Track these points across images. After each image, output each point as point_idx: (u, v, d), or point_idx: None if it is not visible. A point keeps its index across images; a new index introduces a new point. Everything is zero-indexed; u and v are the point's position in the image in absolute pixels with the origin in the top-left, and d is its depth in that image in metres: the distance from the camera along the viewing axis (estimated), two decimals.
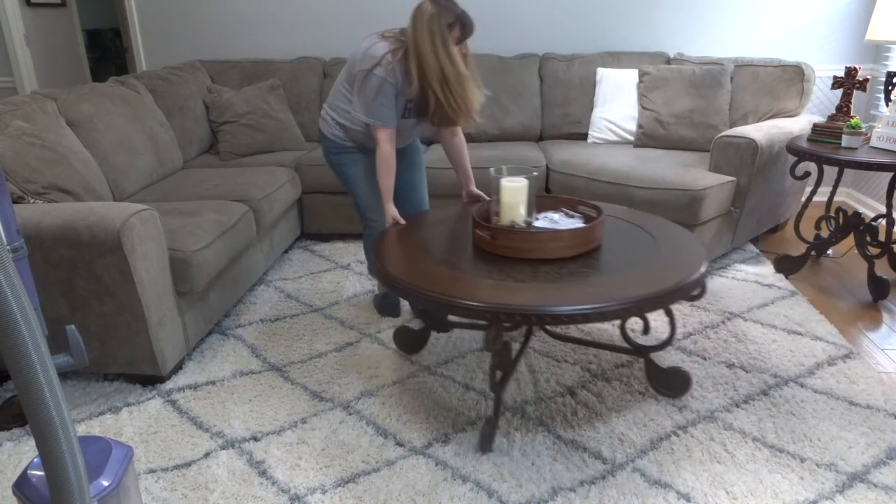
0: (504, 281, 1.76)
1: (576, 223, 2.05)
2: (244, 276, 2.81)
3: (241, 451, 1.92)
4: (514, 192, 1.98)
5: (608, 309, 1.63)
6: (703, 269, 1.81)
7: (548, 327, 2.39)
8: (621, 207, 2.37)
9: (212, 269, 2.38)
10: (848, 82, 2.89)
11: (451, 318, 2.42)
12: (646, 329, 2.31)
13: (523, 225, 2.01)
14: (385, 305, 2.71)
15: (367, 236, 2.60)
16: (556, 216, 2.11)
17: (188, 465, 1.87)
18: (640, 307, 1.66)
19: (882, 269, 3.12)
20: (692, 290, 1.77)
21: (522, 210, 2.00)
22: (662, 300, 1.69)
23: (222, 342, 2.55)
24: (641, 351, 2.20)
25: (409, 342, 2.43)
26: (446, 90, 2.13)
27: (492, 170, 2.05)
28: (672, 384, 2.14)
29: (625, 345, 2.28)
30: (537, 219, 2.08)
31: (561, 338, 2.45)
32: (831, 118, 2.89)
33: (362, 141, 2.40)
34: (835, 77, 2.92)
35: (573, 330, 2.55)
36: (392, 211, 2.26)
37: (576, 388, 2.19)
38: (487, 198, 2.31)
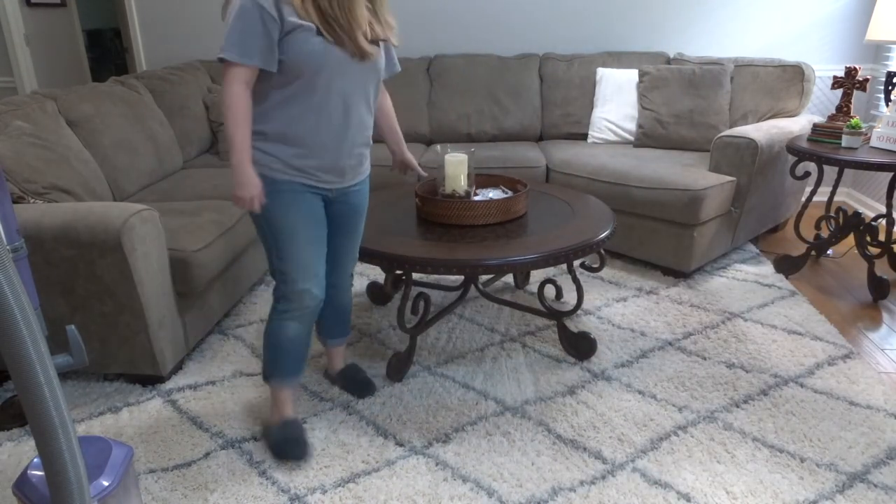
0: (412, 239, 2.14)
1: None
2: (244, 276, 2.81)
3: (241, 451, 1.92)
4: (456, 165, 2.27)
5: (514, 262, 1.98)
6: (603, 235, 2.13)
7: (482, 288, 2.62)
8: (557, 186, 2.75)
9: (212, 269, 2.38)
10: (848, 82, 2.89)
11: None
12: (558, 295, 2.83)
13: (463, 194, 2.30)
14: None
15: (276, 319, 1.83)
16: (492, 192, 2.43)
17: (188, 465, 1.87)
18: (546, 261, 2.01)
19: (882, 269, 3.12)
20: (590, 251, 2.10)
21: (463, 181, 2.29)
22: (565, 256, 2.03)
23: (222, 342, 2.55)
24: (555, 315, 2.43)
25: (378, 296, 2.87)
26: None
27: (438, 147, 2.35)
28: (580, 347, 2.38)
29: (542, 309, 2.50)
30: (477, 193, 2.41)
31: (492, 298, 2.55)
32: (831, 118, 2.89)
33: (292, 161, 1.71)
34: (835, 77, 2.92)
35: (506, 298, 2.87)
36: (255, 181, 1.67)
37: (576, 388, 2.19)
38: (419, 168, 2.16)
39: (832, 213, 3.04)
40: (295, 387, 1.94)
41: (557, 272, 3.14)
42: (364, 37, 1.67)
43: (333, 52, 1.63)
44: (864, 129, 2.74)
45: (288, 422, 1.92)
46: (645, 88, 3.53)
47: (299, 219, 1.75)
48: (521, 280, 2.96)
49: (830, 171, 3.90)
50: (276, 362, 1.85)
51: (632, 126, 3.60)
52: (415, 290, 2.85)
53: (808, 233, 3.55)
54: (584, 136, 3.78)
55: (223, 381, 2.28)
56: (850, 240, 3.43)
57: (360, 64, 1.69)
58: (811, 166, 3.40)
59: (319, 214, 1.80)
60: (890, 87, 2.81)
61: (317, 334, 2.15)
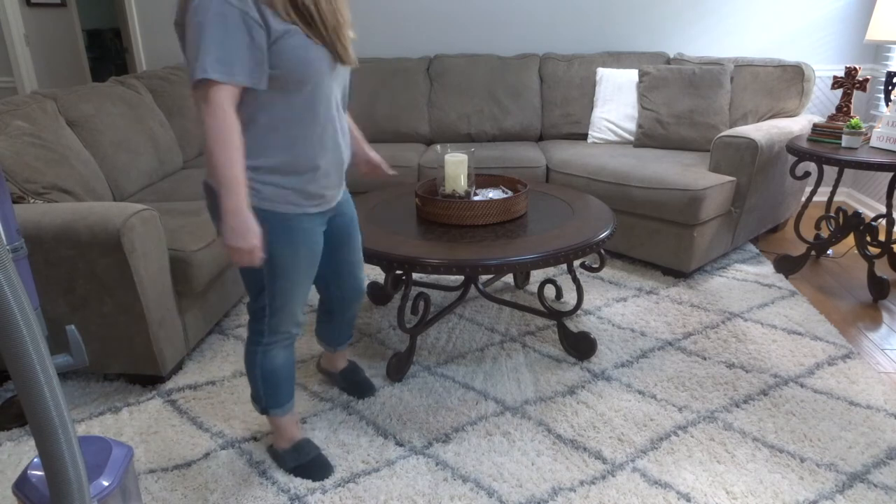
0: (412, 239, 2.13)
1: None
2: None
3: (241, 451, 1.92)
4: (456, 165, 2.27)
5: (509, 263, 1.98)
6: (603, 235, 2.13)
7: (482, 288, 2.58)
8: (557, 186, 2.72)
9: (212, 269, 2.38)
10: (848, 82, 2.89)
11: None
12: (558, 295, 2.83)
13: (463, 194, 2.30)
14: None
15: (263, 353, 1.71)
16: (492, 192, 2.43)
17: (188, 465, 1.87)
18: (546, 261, 2.01)
19: (882, 269, 3.12)
20: (590, 251, 2.10)
21: (463, 181, 2.30)
22: (565, 256, 2.03)
23: (222, 342, 2.55)
24: (555, 315, 2.43)
25: (378, 296, 2.87)
26: None
27: (438, 147, 2.31)
28: (580, 347, 2.38)
29: (542, 309, 2.51)
30: (477, 193, 2.41)
31: (492, 298, 2.52)
32: (831, 118, 2.89)
33: (307, 188, 1.54)
34: (835, 77, 2.92)
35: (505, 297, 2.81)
36: (257, 228, 1.43)
37: (576, 388, 2.19)
38: (387, 166, 1.92)
39: (832, 213, 3.04)
40: (294, 409, 1.86)
41: (557, 272, 3.14)
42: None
43: (326, 57, 1.44)
44: (864, 129, 2.74)
45: (300, 444, 1.83)
46: (645, 88, 3.53)
47: (305, 258, 1.59)
48: (521, 280, 2.96)
49: (830, 171, 3.90)
50: (272, 394, 1.75)
51: (632, 126, 3.59)
52: (415, 290, 2.85)
53: (808, 233, 3.55)
54: (584, 136, 3.78)
55: (223, 381, 2.28)
56: (850, 240, 3.43)
57: (343, 66, 1.53)
58: (811, 166, 3.40)
59: (320, 247, 1.65)
60: (890, 87, 2.81)
61: (319, 340, 2.13)
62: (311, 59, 1.41)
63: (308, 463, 1.81)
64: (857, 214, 2.91)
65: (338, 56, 1.47)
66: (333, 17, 1.43)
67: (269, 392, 1.75)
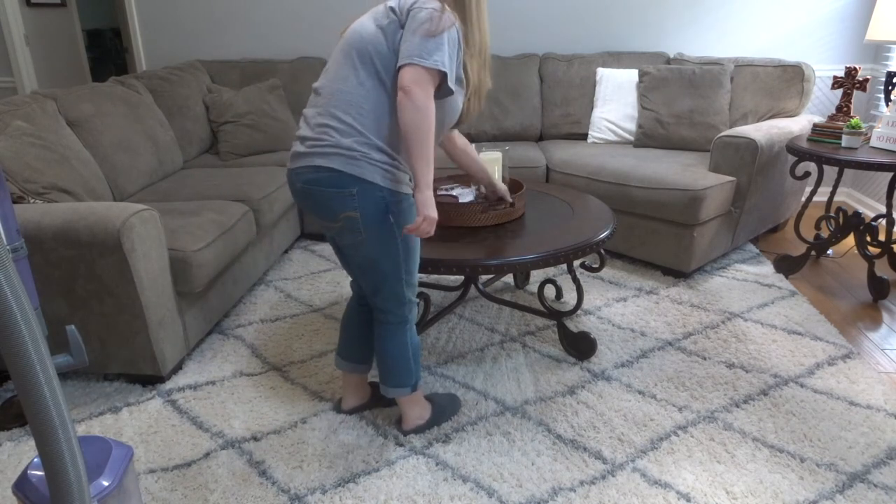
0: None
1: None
2: (244, 276, 2.81)
3: (241, 451, 1.92)
4: (490, 164, 2.27)
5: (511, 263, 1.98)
6: (603, 235, 2.13)
7: (482, 288, 2.57)
8: (557, 186, 2.72)
9: (212, 269, 2.38)
10: (848, 82, 2.89)
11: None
12: (558, 295, 2.84)
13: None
14: None
15: (410, 330, 1.87)
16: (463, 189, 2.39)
17: (188, 465, 1.87)
18: (546, 261, 2.01)
19: (882, 269, 3.12)
20: (590, 251, 2.09)
21: (497, 178, 2.26)
22: (565, 256, 2.03)
23: (222, 342, 2.55)
24: (555, 315, 2.44)
25: None
26: (484, 66, 1.73)
27: (472, 146, 2.30)
28: (580, 347, 2.38)
29: (542, 309, 2.52)
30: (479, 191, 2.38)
31: (492, 298, 2.50)
32: (831, 118, 2.89)
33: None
34: (835, 77, 2.92)
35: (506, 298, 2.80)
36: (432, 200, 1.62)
37: (577, 388, 2.19)
38: (510, 198, 2.23)
39: (832, 213, 3.04)
40: None
41: (557, 272, 3.14)
42: None
43: None
44: (864, 129, 2.74)
45: (430, 398, 2.04)
46: (645, 88, 3.53)
47: None
48: (521, 280, 2.96)
49: (830, 171, 3.90)
50: (418, 367, 1.90)
51: (632, 126, 3.60)
52: None
53: (808, 233, 3.55)
54: (584, 136, 3.78)
55: (223, 381, 2.28)
56: (850, 240, 3.43)
57: None
58: (811, 166, 3.40)
59: None
60: (890, 87, 2.81)
61: (356, 366, 2.01)
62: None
63: (449, 404, 2.05)
64: (857, 214, 2.91)
65: None
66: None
67: (417, 365, 1.89)
